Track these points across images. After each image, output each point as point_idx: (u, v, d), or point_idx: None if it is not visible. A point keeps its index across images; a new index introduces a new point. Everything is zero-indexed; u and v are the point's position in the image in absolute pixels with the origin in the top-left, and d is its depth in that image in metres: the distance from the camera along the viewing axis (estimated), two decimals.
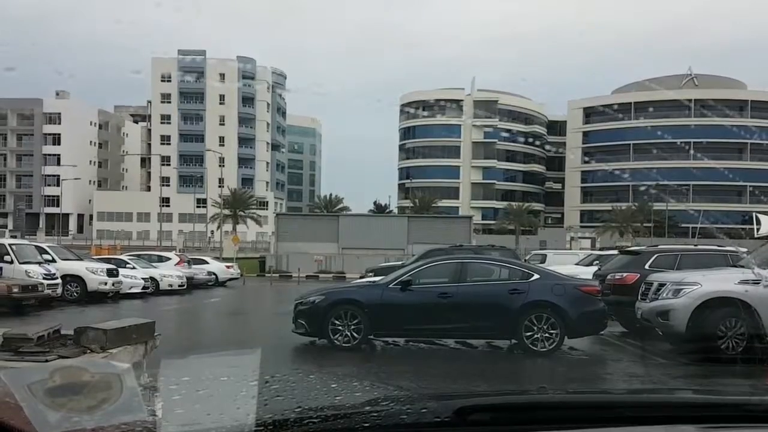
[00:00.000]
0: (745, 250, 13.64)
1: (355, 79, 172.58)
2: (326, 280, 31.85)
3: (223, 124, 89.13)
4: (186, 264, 26.58)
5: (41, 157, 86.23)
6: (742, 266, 10.35)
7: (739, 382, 8.36)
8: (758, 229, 32.82)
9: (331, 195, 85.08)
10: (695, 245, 16.42)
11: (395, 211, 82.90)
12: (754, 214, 37.26)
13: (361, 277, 21.16)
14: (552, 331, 9.82)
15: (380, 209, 78.05)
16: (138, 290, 20.93)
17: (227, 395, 1.46)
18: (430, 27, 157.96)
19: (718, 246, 15.33)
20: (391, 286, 10.48)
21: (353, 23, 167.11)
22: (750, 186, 77.62)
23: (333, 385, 1.72)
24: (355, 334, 10.05)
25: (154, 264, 24.61)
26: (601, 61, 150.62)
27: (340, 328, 10.08)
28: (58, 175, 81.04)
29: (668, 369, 9.45)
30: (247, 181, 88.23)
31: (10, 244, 17.88)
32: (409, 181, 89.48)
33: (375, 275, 17.46)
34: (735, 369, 9.06)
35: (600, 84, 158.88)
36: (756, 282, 9.42)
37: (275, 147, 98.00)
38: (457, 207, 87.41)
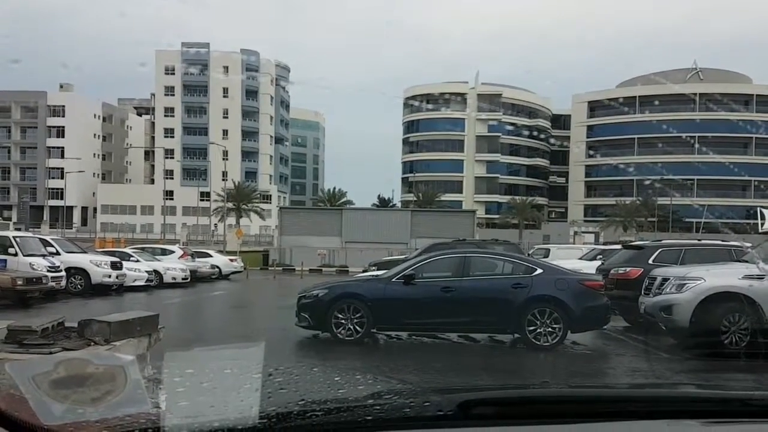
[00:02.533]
0: (749, 244, 13.63)
1: (358, 73, 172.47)
2: (329, 274, 31.87)
3: (227, 117, 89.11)
4: (189, 257, 26.64)
5: (45, 149, 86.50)
6: (746, 261, 10.33)
7: (743, 377, 8.36)
8: (763, 224, 32.78)
9: (334, 189, 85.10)
10: (699, 240, 16.37)
11: (398, 205, 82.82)
12: (758, 208, 37.22)
13: (364, 271, 21.19)
14: (555, 326, 9.83)
15: (383, 203, 78.00)
16: (142, 283, 21.00)
17: (231, 388, 1.47)
18: (434, 21, 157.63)
19: (722, 241, 15.33)
20: (394, 280, 10.49)
21: (357, 17, 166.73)
22: (755, 180, 77.46)
23: (336, 379, 1.72)
24: (358, 328, 10.08)
25: (157, 257, 24.69)
26: (605, 55, 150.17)
27: (343, 321, 10.11)
28: (62, 168, 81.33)
29: (671, 364, 9.46)
30: (251, 175, 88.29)
31: (14, 237, 17.92)
32: (412, 174, 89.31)
33: (378, 269, 17.47)
34: (738, 364, 9.06)
35: (605, 78, 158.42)
36: (760, 277, 9.40)
37: (279, 140, 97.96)
38: (461, 201, 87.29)
